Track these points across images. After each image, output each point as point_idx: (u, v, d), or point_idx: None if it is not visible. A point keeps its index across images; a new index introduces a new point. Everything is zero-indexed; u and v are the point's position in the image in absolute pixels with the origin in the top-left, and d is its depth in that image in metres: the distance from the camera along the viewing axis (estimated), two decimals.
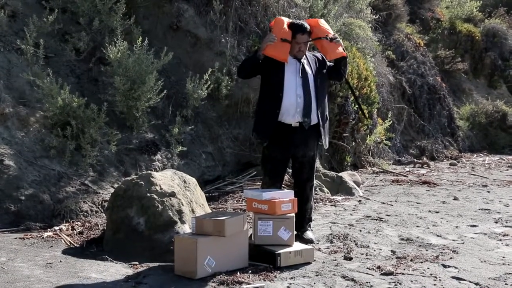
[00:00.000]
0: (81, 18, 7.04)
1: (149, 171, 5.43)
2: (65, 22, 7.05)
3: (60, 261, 4.36)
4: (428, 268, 4.33)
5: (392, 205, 6.85)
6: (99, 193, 5.95)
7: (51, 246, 4.79)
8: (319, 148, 5.24)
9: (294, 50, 4.96)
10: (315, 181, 7.20)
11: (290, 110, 4.89)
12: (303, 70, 4.97)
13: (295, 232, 4.61)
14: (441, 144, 12.58)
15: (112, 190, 5.62)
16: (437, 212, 6.51)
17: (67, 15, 7.17)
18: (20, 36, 6.53)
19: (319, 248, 4.81)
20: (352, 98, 9.21)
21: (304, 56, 5.03)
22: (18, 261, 4.28)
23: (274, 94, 4.91)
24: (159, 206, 4.65)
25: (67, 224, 5.35)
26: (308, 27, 5.01)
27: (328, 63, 5.17)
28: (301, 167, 5.10)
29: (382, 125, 10.51)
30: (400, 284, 3.97)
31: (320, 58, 5.15)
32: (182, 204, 4.77)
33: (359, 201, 7.09)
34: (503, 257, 4.70)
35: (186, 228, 4.61)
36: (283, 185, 6.26)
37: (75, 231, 5.20)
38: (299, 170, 5.13)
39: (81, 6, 7.04)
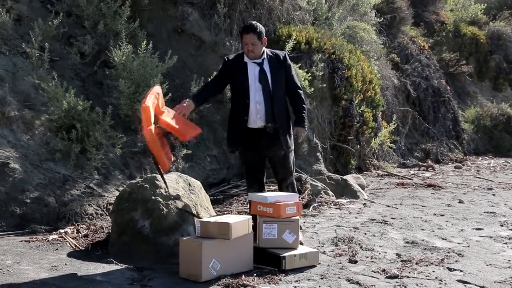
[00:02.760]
0: (86, 21, 7.07)
1: (154, 174, 5.43)
2: (70, 25, 7.08)
3: (65, 264, 4.37)
4: (433, 271, 4.32)
5: (397, 208, 6.84)
6: (104, 196, 5.96)
7: (56, 249, 4.80)
8: (293, 147, 5.06)
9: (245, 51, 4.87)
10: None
11: (252, 116, 4.84)
12: (261, 74, 4.83)
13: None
14: (446, 147, 12.55)
15: (117, 193, 5.63)
16: (442, 215, 6.49)
17: (72, 19, 7.21)
18: (25, 39, 6.55)
19: (324, 251, 4.81)
20: (357, 101, 9.20)
21: (266, 56, 4.89)
22: (24, 264, 4.29)
23: (240, 101, 4.86)
24: (164, 209, 4.65)
25: (72, 227, 5.36)
26: (255, 26, 4.81)
27: (289, 62, 4.99)
28: (275, 167, 5.07)
29: (386, 128, 10.50)
30: (405, 287, 3.96)
31: (281, 57, 4.95)
32: None
33: (364, 204, 7.07)
34: (509, 260, 4.69)
35: (191, 231, 4.61)
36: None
37: (80, 234, 5.21)
38: (274, 170, 5.12)
39: (86, 9, 7.07)
